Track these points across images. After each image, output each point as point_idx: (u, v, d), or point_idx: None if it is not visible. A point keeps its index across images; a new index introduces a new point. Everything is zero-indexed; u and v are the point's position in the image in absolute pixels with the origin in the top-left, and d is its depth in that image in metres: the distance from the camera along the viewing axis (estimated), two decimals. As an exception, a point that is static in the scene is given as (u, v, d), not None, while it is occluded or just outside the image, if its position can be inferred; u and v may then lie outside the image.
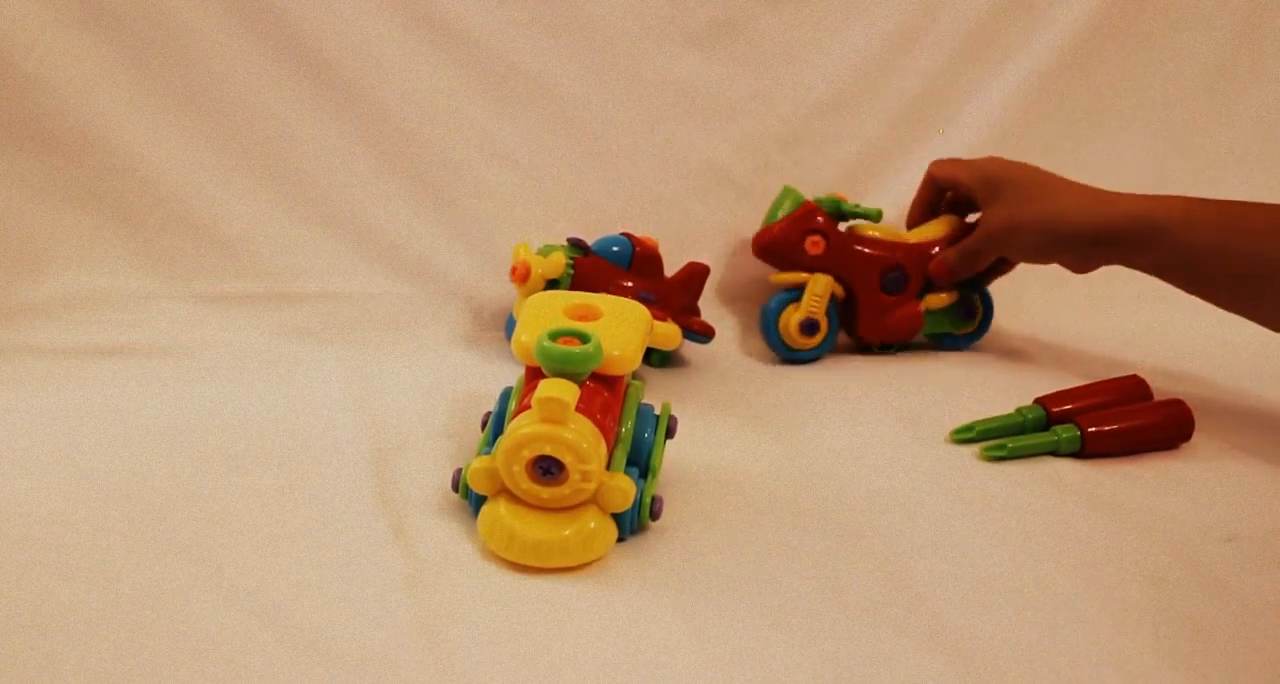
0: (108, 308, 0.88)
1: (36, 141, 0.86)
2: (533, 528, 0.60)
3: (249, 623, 0.55)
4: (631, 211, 0.95)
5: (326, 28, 0.90)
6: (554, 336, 0.62)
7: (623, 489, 0.61)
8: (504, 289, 0.87)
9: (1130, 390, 0.80)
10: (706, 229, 0.98)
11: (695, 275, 0.90)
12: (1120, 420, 0.76)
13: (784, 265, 0.90)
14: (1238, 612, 0.58)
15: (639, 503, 0.63)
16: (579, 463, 0.59)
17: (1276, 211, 0.77)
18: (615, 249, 0.85)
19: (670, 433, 0.69)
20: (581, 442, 0.59)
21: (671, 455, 0.70)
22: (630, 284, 0.84)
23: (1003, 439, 0.76)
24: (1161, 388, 0.81)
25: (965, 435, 0.77)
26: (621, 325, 0.66)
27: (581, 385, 0.61)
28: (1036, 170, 0.89)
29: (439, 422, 0.77)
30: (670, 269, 0.89)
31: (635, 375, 0.69)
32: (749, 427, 0.80)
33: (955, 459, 0.75)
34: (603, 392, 0.64)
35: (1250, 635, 0.56)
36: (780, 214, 0.91)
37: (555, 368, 0.61)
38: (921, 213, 0.97)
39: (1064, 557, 0.63)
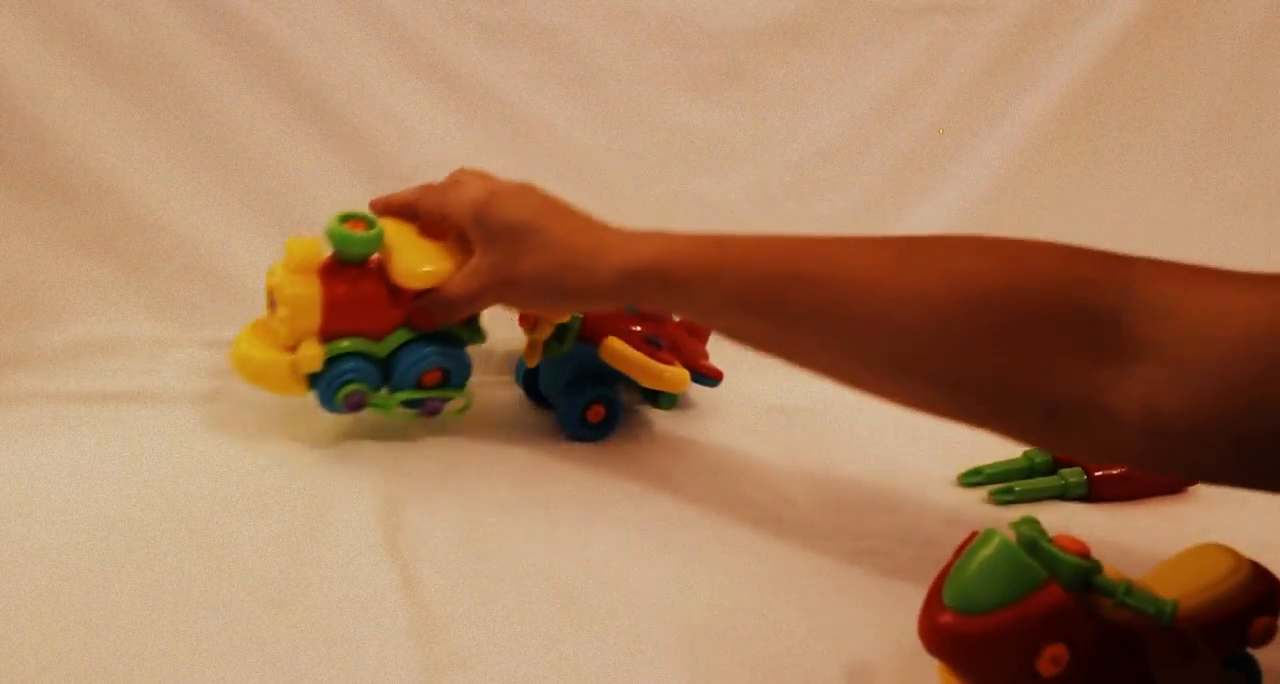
0: (121, 355, 0.88)
1: (51, 191, 0.87)
2: (248, 344, 0.76)
3: (258, 673, 0.55)
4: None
5: (337, 78, 0.91)
6: (344, 219, 0.73)
7: (304, 357, 0.73)
8: (512, 335, 0.87)
9: None
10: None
11: (702, 320, 0.91)
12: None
13: (986, 676, 0.49)
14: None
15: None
16: (279, 302, 0.73)
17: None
18: (622, 294, 0.85)
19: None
20: (285, 287, 0.72)
21: (676, 493, 0.74)
22: (638, 328, 0.85)
23: (1010, 483, 0.76)
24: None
25: (973, 479, 0.78)
26: (448, 252, 0.75)
27: (360, 266, 0.74)
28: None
29: (449, 467, 0.78)
30: (677, 314, 0.90)
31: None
32: (756, 470, 0.81)
33: (963, 503, 0.76)
34: (374, 288, 0.74)
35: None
36: (994, 585, 0.48)
37: (336, 247, 0.73)
38: None
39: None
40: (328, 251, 0.75)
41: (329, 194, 0.93)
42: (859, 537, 0.72)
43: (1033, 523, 0.50)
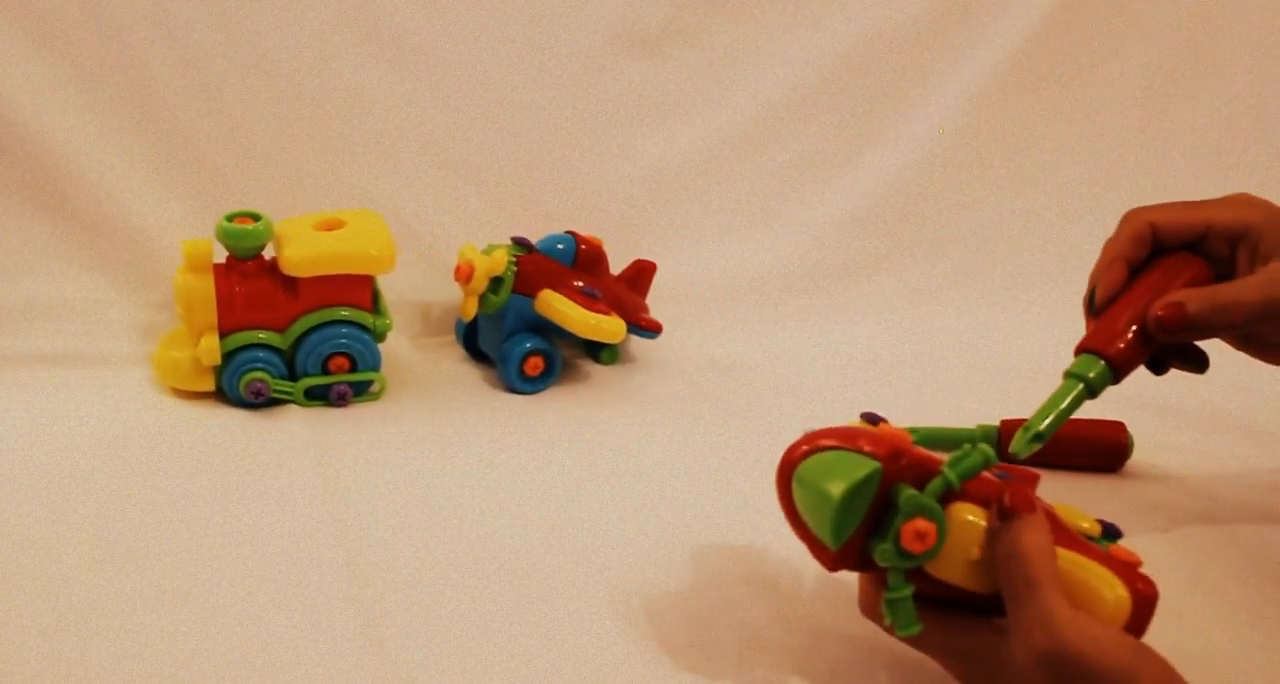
0: (61, 317, 0.87)
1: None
2: (163, 345, 0.80)
3: (200, 620, 0.56)
4: (581, 215, 0.95)
5: (274, 34, 0.90)
6: (231, 218, 0.77)
7: (202, 350, 0.76)
8: (451, 292, 0.87)
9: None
10: (655, 230, 0.98)
11: (643, 272, 0.90)
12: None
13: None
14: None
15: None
16: (175, 300, 0.77)
17: None
18: (559, 246, 0.85)
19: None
20: (180, 285, 0.76)
21: (615, 446, 0.75)
22: (578, 282, 0.84)
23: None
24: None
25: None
26: (339, 241, 0.78)
27: (256, 261, 0.77)
28: None
29: (388, 423, 0.79)
30: (617, 268, 0.90)
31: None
32: (696, 424, 0.81)
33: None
34: (268, 281, 0.77)
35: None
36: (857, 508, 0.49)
37: (225, 244, 0.77)
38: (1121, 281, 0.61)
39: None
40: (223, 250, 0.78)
41: (265, 153, 0.92)
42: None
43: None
